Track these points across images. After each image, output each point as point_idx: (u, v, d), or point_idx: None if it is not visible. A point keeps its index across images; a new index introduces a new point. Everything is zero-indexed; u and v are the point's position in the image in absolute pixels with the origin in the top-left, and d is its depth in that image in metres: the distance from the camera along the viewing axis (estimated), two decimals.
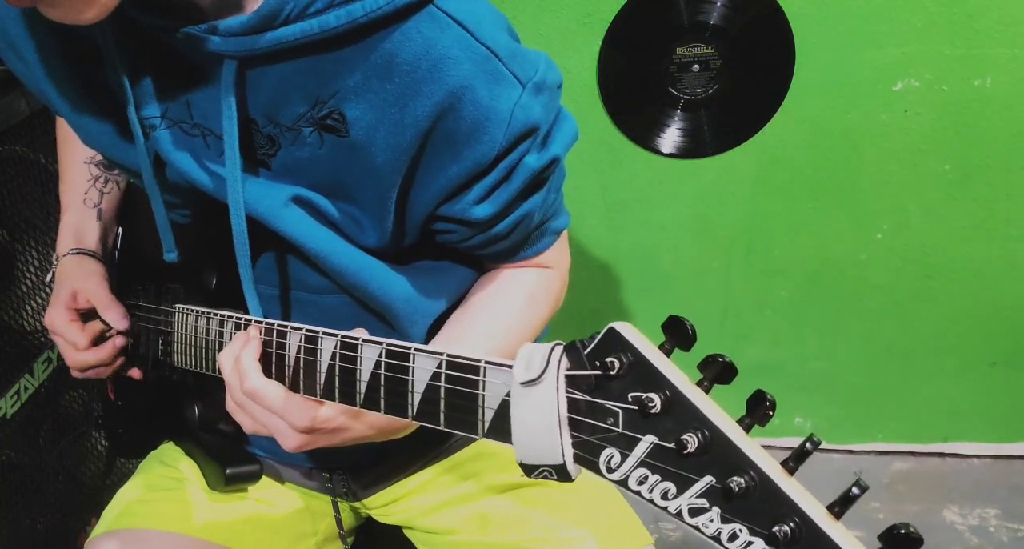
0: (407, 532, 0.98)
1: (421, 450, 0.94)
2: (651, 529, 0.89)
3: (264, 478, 0.90)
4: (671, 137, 1.52)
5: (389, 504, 0.97)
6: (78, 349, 0.90)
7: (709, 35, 1.42)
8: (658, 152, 1.53)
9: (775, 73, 1.44)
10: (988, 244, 1.56)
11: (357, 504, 0.98)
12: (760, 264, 1.64)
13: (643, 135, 1.52)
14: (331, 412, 0.67)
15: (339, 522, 0.94)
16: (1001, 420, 1.74)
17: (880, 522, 1.67)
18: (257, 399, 0.67)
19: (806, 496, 0.40)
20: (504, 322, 0.80)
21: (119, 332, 0.92)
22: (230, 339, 0.75)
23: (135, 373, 0.96)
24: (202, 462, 0.90)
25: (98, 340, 0.92)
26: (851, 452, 1.80)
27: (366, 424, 0.70)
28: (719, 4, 1.40)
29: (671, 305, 1.70)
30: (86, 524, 1.31)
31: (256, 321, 0.72)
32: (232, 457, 0.87)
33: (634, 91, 1.49)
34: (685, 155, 1.53)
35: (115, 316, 0.91)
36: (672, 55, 1.45)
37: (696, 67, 1.45)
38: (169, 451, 0.96)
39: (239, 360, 0.69)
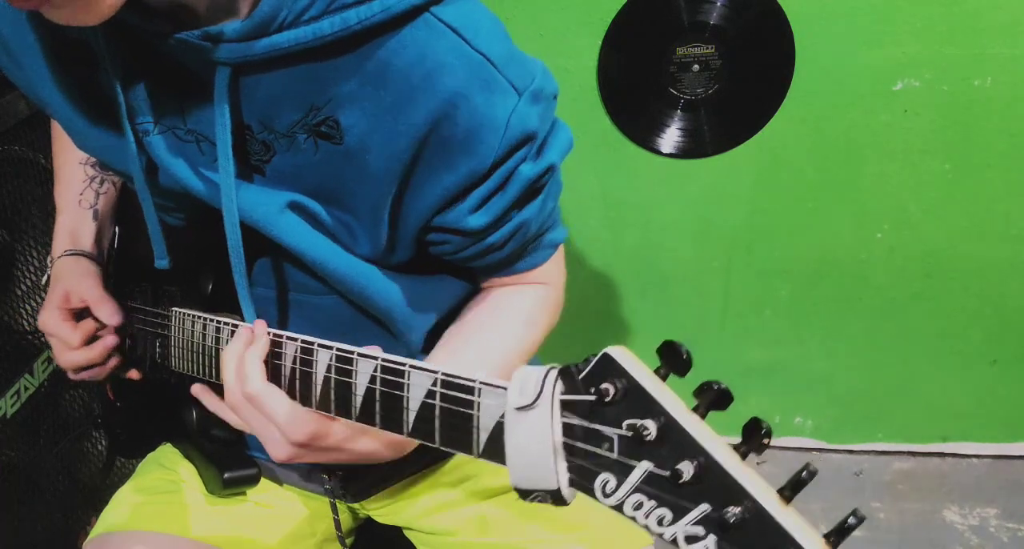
0: (407, 533, 0.98)
1: (420, 453, 0.94)
2: None
3: (262, 480, 0.90)
4: (671, 137, 1.51)
5: (388, 505, 0.97)
6: (70, 348, 0.89)
7: (709, 35, 1.42)
8: (658, 152, 1.53)
9: (775, 73, 1.44)
10: (988, 244, 1.55)
11: (356, 505, 0.98)
12: (760, 264, 1.63)
13: (643, 135, 1.52)
14: (329, 429, 0.66)
15: (337, 524, 0.94)
16: (1001, 420, 1.74)
17: (881, 522, 1.67)
18: (256, 404, 0.66)
19: (802, 526, 0.39)
20: (500, 349, 0.79)
21: (111, 331, 0.90)
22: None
23: (133, 374, 0.95)
24: (200, 465, 0.90)
25: (91, 340, 0.90)
26: (851, 452, 1.80)
27: (380, 442, 0.68)
28: (719, 4, 1.40)
29: (671, 305, 1.70)
30: (86, 524, 1.31)
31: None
32: (230, 461, 0.87)
33: (634, 91, 1.48)
34: (685, 155, 1.52)
35: (107, 312, 0.89)
36: (672, 55, 1.44)
37: (696, 67, 1.45)
38: (167, 454, 0.95)
39: (242, 362, 0.67)
